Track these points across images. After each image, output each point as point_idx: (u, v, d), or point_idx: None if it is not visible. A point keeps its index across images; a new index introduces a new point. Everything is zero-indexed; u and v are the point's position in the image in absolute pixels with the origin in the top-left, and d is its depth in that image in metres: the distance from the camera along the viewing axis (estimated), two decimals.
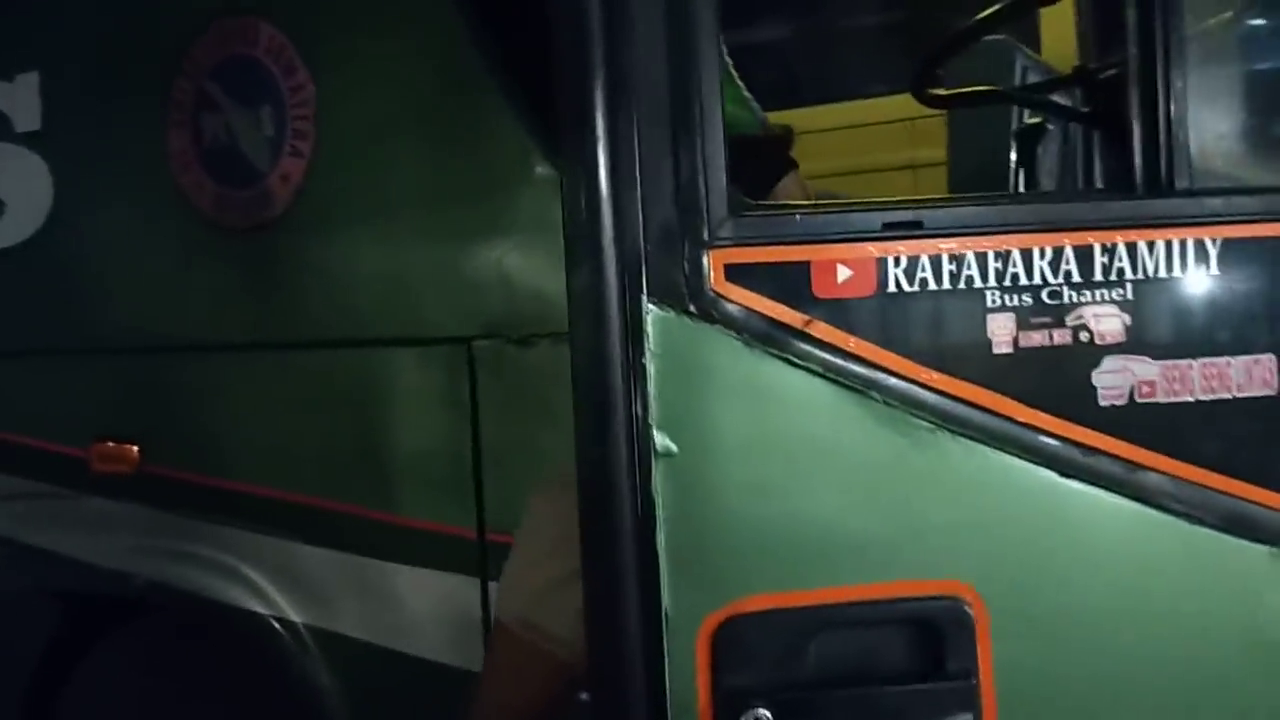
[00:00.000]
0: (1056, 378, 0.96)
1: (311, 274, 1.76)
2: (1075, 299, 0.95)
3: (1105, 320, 0.95)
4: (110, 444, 1.94)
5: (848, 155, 2.78)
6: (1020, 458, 0.95)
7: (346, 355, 1.75)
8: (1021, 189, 2.08)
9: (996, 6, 1.52)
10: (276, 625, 1.79)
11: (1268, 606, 0.97)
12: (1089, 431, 0.95)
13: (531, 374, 1.61)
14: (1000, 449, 0.95)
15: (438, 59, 1.66)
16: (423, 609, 1.68)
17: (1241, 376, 0.95)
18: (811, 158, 2.09)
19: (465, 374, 1.64)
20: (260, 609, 1.81)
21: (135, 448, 1.91)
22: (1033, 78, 2.18)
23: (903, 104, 2.39)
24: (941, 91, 1.64)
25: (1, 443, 2.04)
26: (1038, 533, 0.98)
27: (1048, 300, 0.95)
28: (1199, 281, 0.98)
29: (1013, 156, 2.18)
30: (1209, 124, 1.04)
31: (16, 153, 2.01)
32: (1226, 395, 0.96)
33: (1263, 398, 0.96)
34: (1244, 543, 0.96)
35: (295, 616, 1.79)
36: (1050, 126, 2.05)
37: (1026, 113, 2.08)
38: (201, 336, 1.86)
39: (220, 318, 1.84)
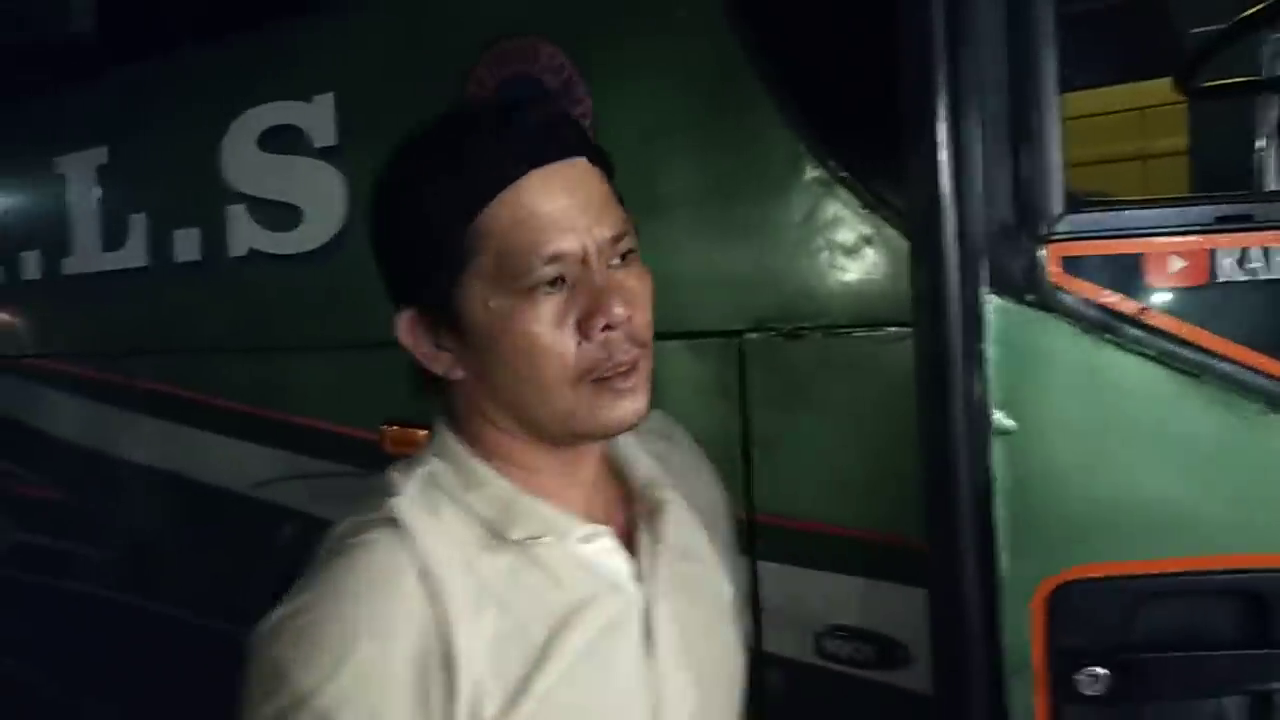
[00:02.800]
0: None
1: None
2: None
3: None
4: (397, 427, 2.14)
5: (1076, 146, 2.78)
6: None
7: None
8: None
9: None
10: None
11: None
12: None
13: (800, 366, 1.71)
14: None
15: (710, 67, 1.77)
16: None
17: None
18: None
19: (736, 365, 1.75)
20: None
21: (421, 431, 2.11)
22: None
23: (1132, 93, 2.38)
24: (1208, 83, 1.66)
25: (303, 427, 2.29)
26: None
27: None
28: None
29: (1259, 145, 2.16)
30: None
31: (314, 165, 2.25)
32: None
33: None
34: None
35: None
36: None
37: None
38: None
39: None
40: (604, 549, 0.92)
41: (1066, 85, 1.03)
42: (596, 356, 0.86)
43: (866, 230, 1.51)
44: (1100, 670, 1.00)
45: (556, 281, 0.85)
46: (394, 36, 2.15)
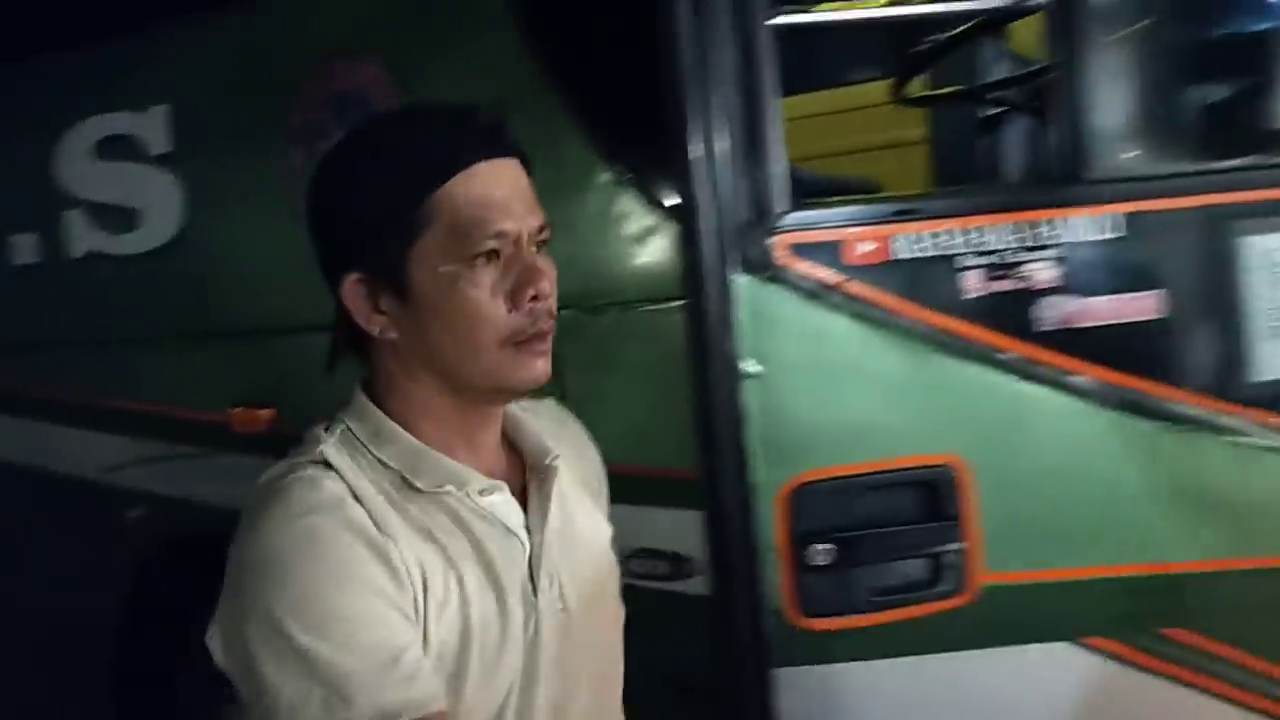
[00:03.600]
0: (1011, 312, 1.41)
1: None
2: (1021, 258, 1.41)
3: (1042, 272, 1.40)
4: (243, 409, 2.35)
5: (838, 137, 3.19)
6: (989, 367, 1.41)
7: None
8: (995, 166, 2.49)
9: (968, 25, 1.96)
10: None
11: (1158, 463, 1.43)
12: (1033, 347, 1.40)
13: (601, 336, 2.04)
14: (976, 362, 1.40)
15: (515, 85, 2.06)
16: None
17: (1132, 307, 1.41)
18: (803, 141, 2.50)
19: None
20: None
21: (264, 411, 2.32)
22: (1000, 67, 2.58)
23: (885, 89, 2.79)
24: (916, 93, 2.08)
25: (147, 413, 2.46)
26: (1003, 421, 1.43)
27: (1004, 260, 1.41)
28: (1105, 243, 1.44)
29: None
30: (1109, 127, 1.49)
31: (148, 172, 2.42)
32: (1124, 320, 1.42)
33: (1148, 320, 1.42)
34: (1139, 420, 1.43)
35: None
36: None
37: None
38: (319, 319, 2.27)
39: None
40: (500, 501, 1.06)
41: (835, 82, 1.39)
42: (521, 323, 1.00)
43: (649, 223, 1.84)
44: (826, 546, 1.38)
45: (492, 255, 0.99)
46: (226, 52, 2.34)
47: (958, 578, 1.39)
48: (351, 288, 1.02)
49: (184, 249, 2.39)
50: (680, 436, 1.55)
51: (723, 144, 1.37)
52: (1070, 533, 1.45)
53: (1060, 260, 1.42)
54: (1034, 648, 1.42)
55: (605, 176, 1.98)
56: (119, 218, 2.47)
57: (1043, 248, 1.41)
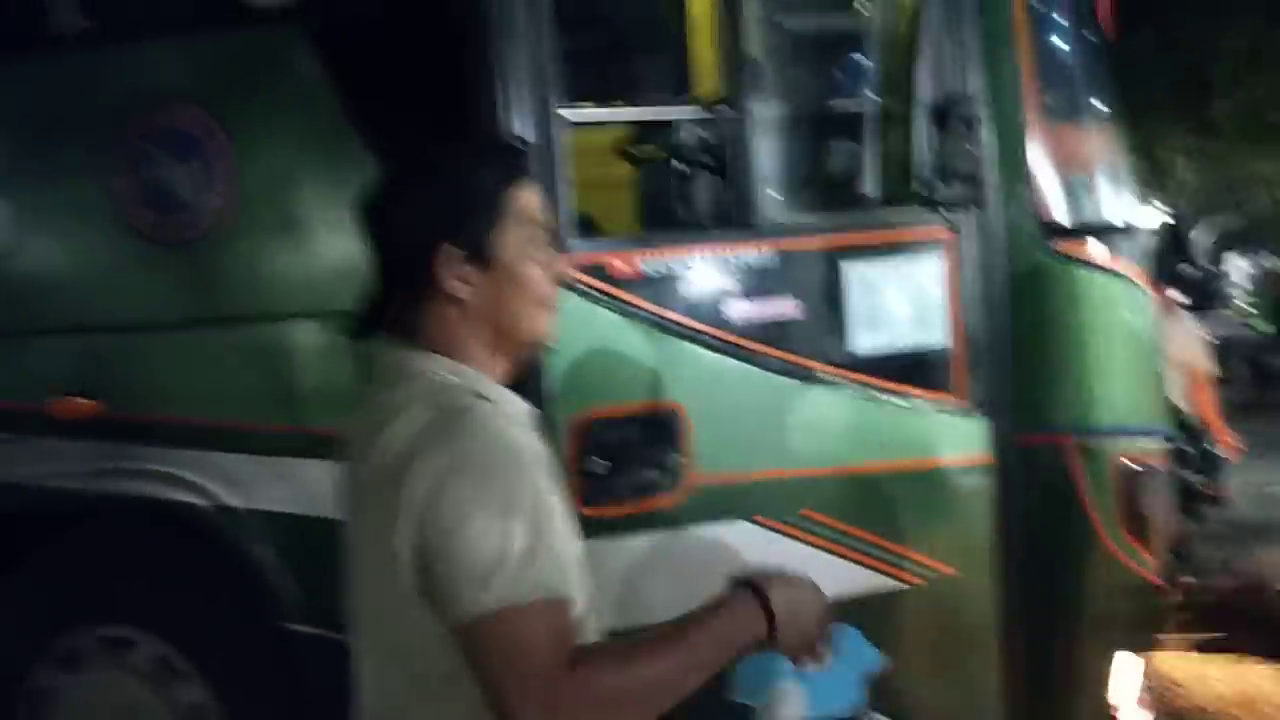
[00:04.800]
0: (710, 310, 2.19)
1: (228, 270, 2.64)
2: (713, 276, 2.20)
3: (726, 284, 2.21)
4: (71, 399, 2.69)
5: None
6: (699, 345, 2.18)
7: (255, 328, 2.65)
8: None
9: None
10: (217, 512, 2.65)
11: (802, 405, 2.27)
12: (723, 332, 2.20)
13: None
14: (691, 343, 2.18)
15: (320, 118, 2.55)
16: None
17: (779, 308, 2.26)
18: None
19: None
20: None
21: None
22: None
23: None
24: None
25: None
26: (708, 380, 2.21)
27: (703, 276, 2.19)
28: (763, 267, 2.26)
29: None
30: (765, 191, 2.31)
31: None
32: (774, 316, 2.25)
33: (789, 316, 2.27)
34: (790, 379, 2.26)
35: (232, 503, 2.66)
36: None
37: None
38: (136, 318, 2.68)
39: (155, 304, 2.67)
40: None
41: None
42: (551, 291, 1.38)
43: None
44: (601, 460, 2.09)
45: (540, 243, 1.36)
46: (53, 94, 2.69)
47: (677, 479, 2.16)
48: (445, 256, 1.30)
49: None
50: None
51: None
52: (749, 450, 2.25)
53: (737, 277, 2.23)
54: (723, 525, 2.19)
55: None
56: None
57: (726, 268, 2.21)
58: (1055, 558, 2.44)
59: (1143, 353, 2.58)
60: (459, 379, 1.31)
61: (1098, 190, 2.62)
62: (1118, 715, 2.58)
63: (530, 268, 1.36)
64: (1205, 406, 5.79)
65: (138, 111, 2.64)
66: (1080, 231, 2.46)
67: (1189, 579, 5.26)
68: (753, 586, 1.33)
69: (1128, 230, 2.61)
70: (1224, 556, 6.12)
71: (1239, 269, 17.51)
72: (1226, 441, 5.90)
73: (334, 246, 2.55)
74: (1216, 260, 18.83)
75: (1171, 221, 19.20)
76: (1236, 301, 15.82)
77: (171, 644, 2.78)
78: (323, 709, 2.57)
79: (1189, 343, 5.80)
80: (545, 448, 1.35)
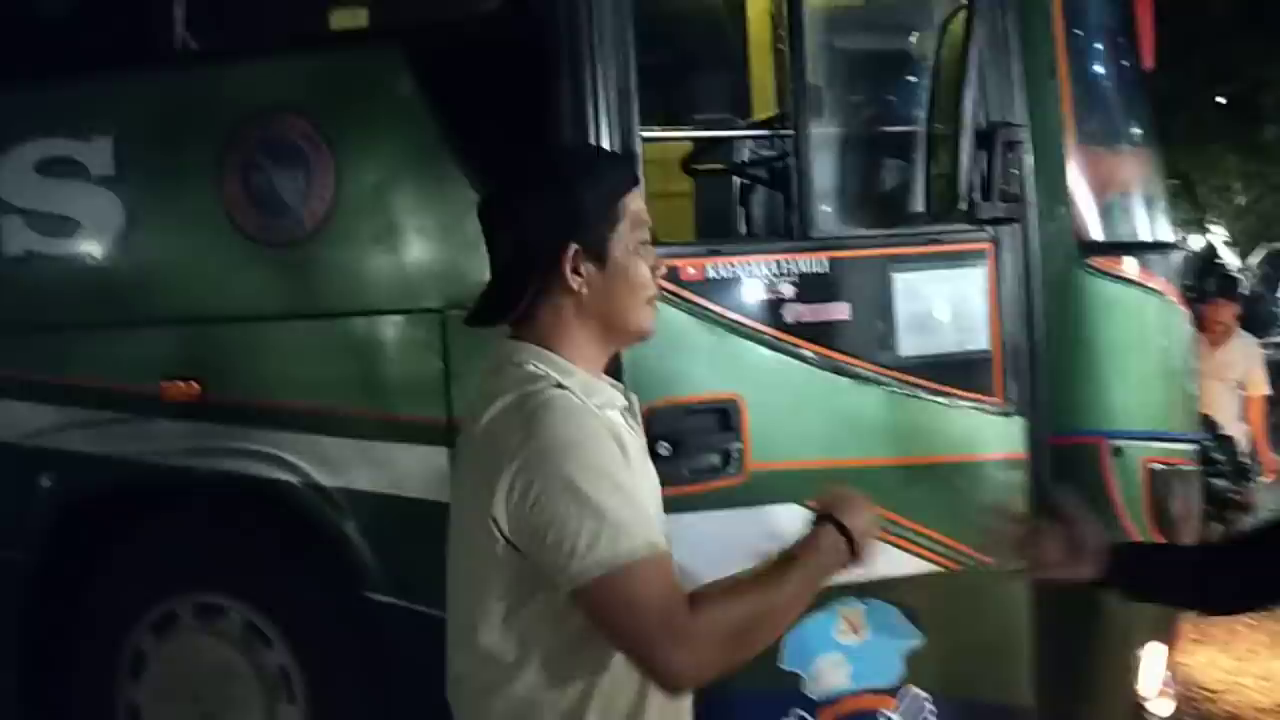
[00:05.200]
0: (769, 312, 2.40)
1: (334, 275, 2.90)
2: (772, 281, 2.41)
3: (784, 288, 2.41)
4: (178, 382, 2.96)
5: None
6: (758, 344, 2.39)
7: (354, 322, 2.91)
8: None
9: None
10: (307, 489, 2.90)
11: (851, 402, 2.47)
12: (780, 332, 2.40)
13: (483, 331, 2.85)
14: (751, 340, 2.38)
15: (418, 139, 2.82)
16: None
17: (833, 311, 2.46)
18: None
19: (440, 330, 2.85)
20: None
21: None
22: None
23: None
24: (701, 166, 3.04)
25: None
26: (765, 374, 2.41)
27: (764, 281, 2.40)
28: (817, 274, 2.46)
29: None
30: (819, 205, 2.52)
31: (93, 190, 2.99)
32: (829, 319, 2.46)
33: (842, 319, 2.47)
34: (841, 378, 2.46)
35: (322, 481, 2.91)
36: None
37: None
38: (242, 310, 2.94)
39: (259, 299, 2.94)
40: (618, 415, 1.53)
41: None
42: (655, 288, 1.53)
43: None
44: (665, 444, 2.30)
45: (646, 244, 1.51)
46: (171, 96, 2.96)
47: (739, 464, 2.37)
48: (569, 255, 1.45)
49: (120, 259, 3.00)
50: None
51: None
52: (803, 440, 2.45)
53: (794, 283, 2.44)
54: (777, 507, 2.39)
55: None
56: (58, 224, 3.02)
57: (784, 274, 2.42)
58: None
59: (1171, 363, 2.75)
60: (548, 369, 1.46)
61: (1132, 210, 2.80)
62: (1144, 704, 2.74)
63: (640, 266, 1.51)
64: (1255, 423, 5.88)
65: (249, 123, 2.91)
66: (1114, 248, 2.64)
67: None
68: (830, 519, 1.51)
69: (1160, 248, 2.79)
70: None
71: None
72: (1269, 460, 5.99)
73: (420, 250, 2.82)
74: (1273, 285, 18.73)
75: (1227, 245, 19.05)
76: None
77: (260, 612, 3.03)
78: (398, 672, 2.84)
79: (1247, 360, 5.91)
80: (631, 427, 1.53)
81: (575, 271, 1.47)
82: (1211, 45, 9.29)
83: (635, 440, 1.53)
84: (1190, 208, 14.79)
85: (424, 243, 2.87)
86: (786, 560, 1.46)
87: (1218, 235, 18.87)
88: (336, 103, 2.89)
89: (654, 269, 1.54)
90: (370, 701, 2.88)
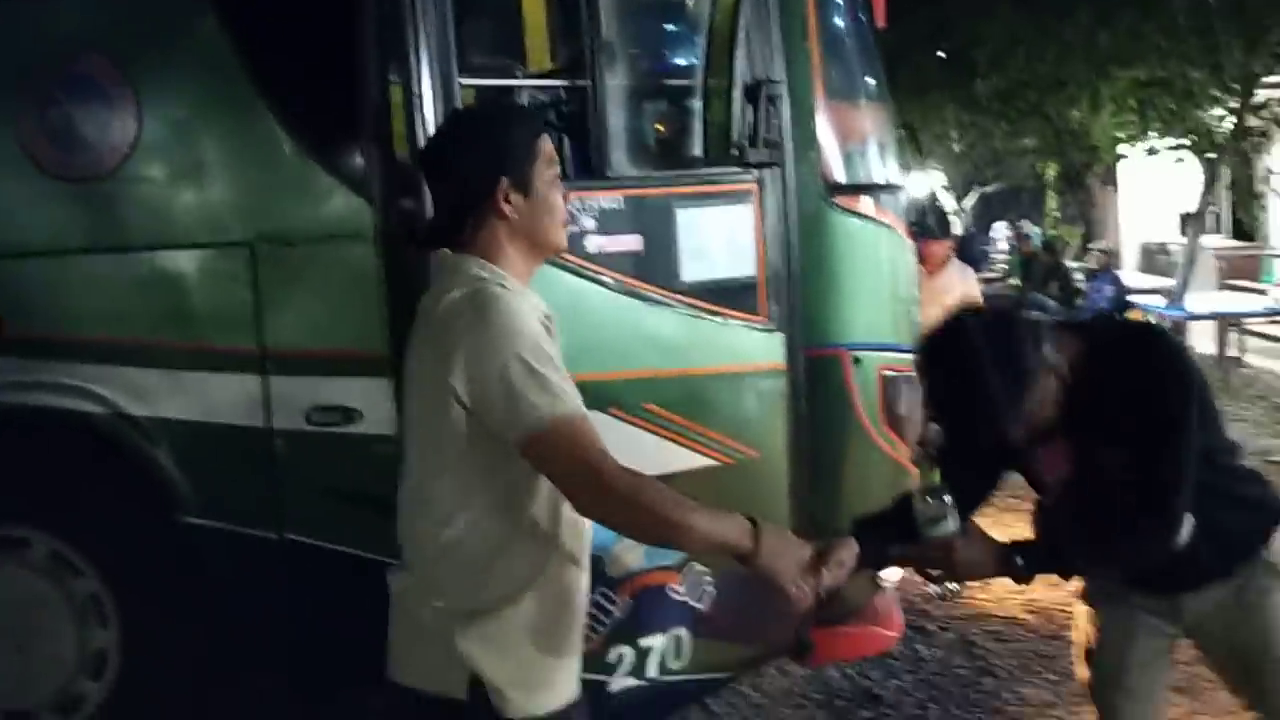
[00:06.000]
0: (580, 246, 2.70)
1: (139, 210, 2.97)
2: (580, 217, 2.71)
3: (587, 223, 2.72)
4: None
5: None
6: (566, 272, 2.69)
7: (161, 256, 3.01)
8: None
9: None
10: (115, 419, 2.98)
11: (634, 321, 2.82)
12: (582, 261, 2.71)
13: (291, 263, 3.02)
14: (558, 268, 2.68)
15: (222, 76, 2.94)
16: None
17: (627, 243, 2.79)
18: None
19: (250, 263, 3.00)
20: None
21: None
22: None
23: None
24: None
25: None
26: (575, 301, 2.72)
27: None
28: (615, 210, 2.79)
29: None
30: (612, 147, 2.84)
31: None
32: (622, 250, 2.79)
33: (636, 250, 2.81)
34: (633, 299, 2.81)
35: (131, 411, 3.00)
36: None
37: None
38: (44, 246, 2.97)
39: (61, 235, 2.98)
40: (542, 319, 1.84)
41: None
42: (565, 215, 1.89)
43: (329, 185, 2.88)
44: None
45: (557, 177, 1.85)
46: None
47: None
48: (502, 187, 1.80)
49: None
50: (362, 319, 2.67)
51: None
52: (605, 355, 2.78)
53: (594, 217, 2.76)
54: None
55: (296, 151, 2.98)
56: None
57: (586, 210, 2.73)
58: (833, 445, 3.12)
59: (899, 287, 3.28)
60: (490, 274, 1.80)
61: (869, 156, 3.29)
62: (881, 574, 3.28)
63: (555, 195, 1.87)
64: None
65: (47, 60, 2.91)
66: (854, 189, 3.11)
67: None
68: (755, 523, 1.79)
69: (891, 189, 3.30)
70: None
71: (1004, 234, 19.35)
72: None
73: (227, 186, 2.95)
74: (987, 227, 20.75)
75: (945, 189, 20.74)
76: (1000, 263, 17.57)
77: (67, 541, 3.09)
78: (211, 589, 2.99)
79: (963, 285, 6.74)
80: (549, 333, 1.85)
81: (507, 201, 1.81)
82: (933, 3, 10.23)
83: (553, 345, 1.84)
84: (915, 154, 16.15)
85: (231, 178, 3.00)
86: (720, 511, 1.79)
87: (937, 179, 20.70)
88: (138, 40, 2.95)
89: (565, 197, 1.91)
90: (183, 617, 3.02)
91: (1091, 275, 11.42)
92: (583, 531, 1.90)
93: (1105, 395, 2.10)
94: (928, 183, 20.75)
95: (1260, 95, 9.18)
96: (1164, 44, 7.95)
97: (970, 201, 21.50)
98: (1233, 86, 8.76)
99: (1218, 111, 9.25)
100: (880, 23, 3.61)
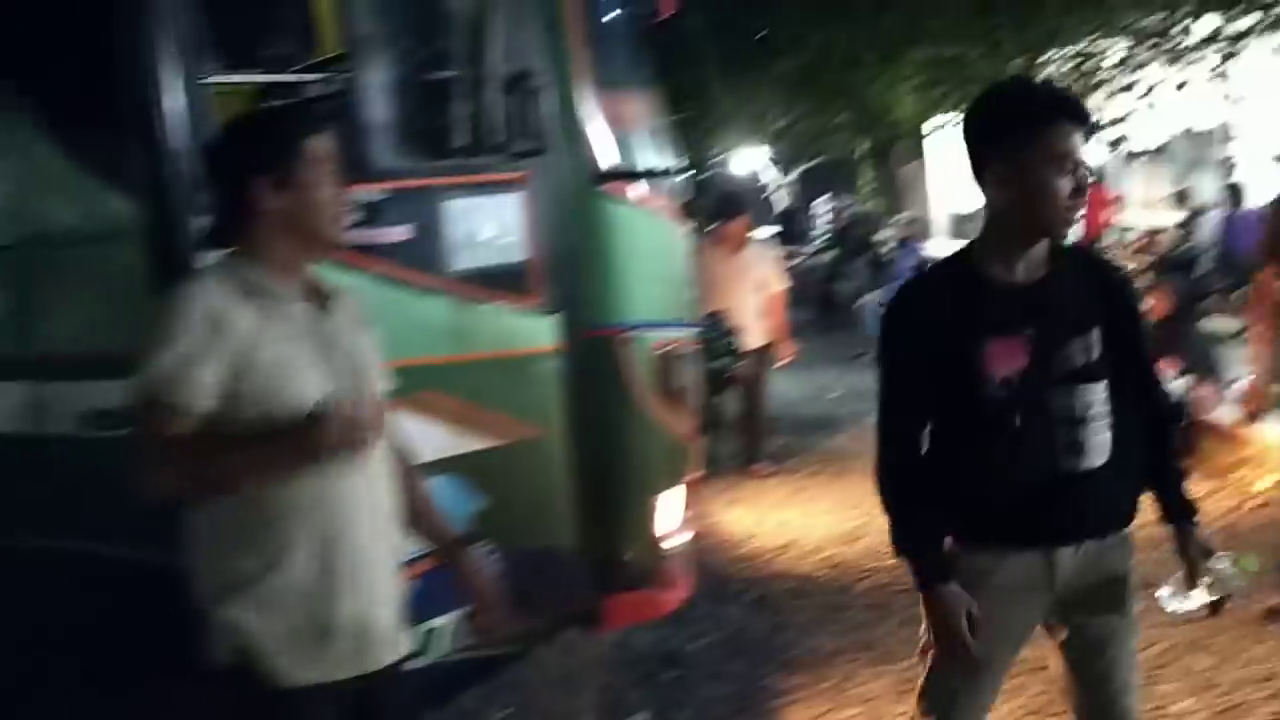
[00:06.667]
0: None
1: None
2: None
3: (356, 215, 2.77)
4: None
5: None
6: (339, 266, 2.73)
7: None
8: None
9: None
10: None
11: (408, 313, 2.90)
12: (354, 255, 2.76)
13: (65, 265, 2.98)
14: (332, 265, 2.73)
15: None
16: None
17: (392, 235, 2.85)
18: None
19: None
20: None
21: None
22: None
23: None
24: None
25: None
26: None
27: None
28: (388, 204, 2.84)
29: None
30: (379, 139, 2.89)
31: None
32: (390, 240, 2.85)
33: (402, 240, 2.88)
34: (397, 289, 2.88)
35: None
36: None
37: None
38: None
39: None
40: (299, 309, 2.00)
41: None
42: (341, 210, 2.05)
43: (92, 186, 2.85)
44: None
45: (326, 174, 1.99)
46: None
47: None
48: (263, 185, 1.93)
49: None
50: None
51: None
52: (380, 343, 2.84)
53: (361, 210, 2.80)
54: None
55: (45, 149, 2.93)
56: None
57: (357, 203, 2.77)
58: (611, 422, 3.26)
59: (670, 267, 3.45)
60: (225, 270, 1.98)
61: (637, 143, 3.43)
62: (668, 539, 3.46)
63: (324, 191, 1.97)
64: (776, 317, 7.04)
65: None
66: (621, 175, 3.25)
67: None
68: (315, 417, 1.86)
69: (660, 175, 3.45)
70: (786, 442, 7.51)
71: (824, 210, 20.04)
72: (786, 349, 7.21)
73: None
74: (809, 202, 21.44)
75: (773, 163, 21.31)
76: (818, 238, 18.23)
77: None
78: None
79: (763, 263, 7.04)
80: (319, 315, 2.03)
81: (268, 199, 1.94)
82: None
83: (311, 321, 2.02)
84: (729, 135, 16.56)
85: None
86: (265, 437, 1.92)
87: (762, 157, 21.27)
88: None
89: (338, 192, 2.02)
90: None
91: (900, 245, 12.02)
92: (339, 509, 2.00)
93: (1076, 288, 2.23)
94: (751, 161, 21.35)
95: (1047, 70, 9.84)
96: (941, 25, 8.41)
97: (793, 178, 22.17)
98: (1014, 64, 9.34)
99: None
100: (669, 8, 3.74)
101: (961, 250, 2.34)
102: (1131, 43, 8.94)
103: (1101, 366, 2.22)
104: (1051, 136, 2.12)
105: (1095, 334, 2.22)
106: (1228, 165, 11.49)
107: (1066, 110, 2.18)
